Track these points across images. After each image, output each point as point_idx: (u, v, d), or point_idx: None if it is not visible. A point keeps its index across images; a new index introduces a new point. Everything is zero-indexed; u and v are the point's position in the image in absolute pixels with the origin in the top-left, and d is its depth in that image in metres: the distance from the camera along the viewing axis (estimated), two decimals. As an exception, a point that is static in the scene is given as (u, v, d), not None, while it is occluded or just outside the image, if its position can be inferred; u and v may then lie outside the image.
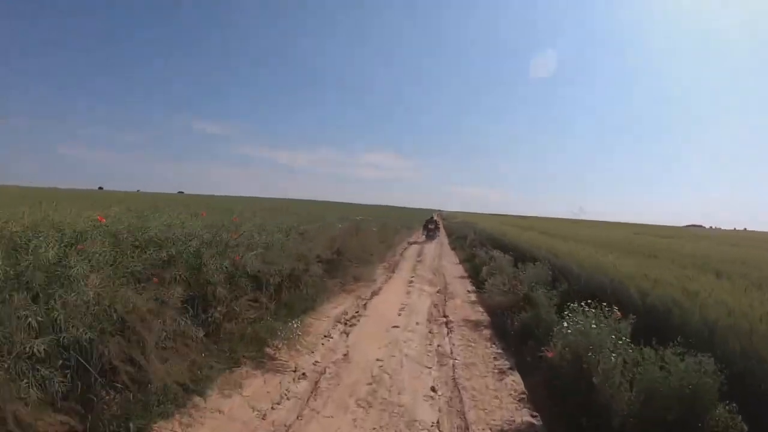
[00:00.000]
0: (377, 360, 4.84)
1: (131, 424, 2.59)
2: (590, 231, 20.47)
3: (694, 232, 32.72)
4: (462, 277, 11.11)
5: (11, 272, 2.44)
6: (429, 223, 22.04)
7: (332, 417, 3.50)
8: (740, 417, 2.64)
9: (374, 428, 3.37)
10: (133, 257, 3.17)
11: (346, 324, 6.22)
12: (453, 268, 12.69)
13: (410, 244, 19.32)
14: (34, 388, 2.14)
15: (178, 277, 3.51)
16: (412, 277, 10.52)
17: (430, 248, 17.70)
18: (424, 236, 21.20)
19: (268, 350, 4.55)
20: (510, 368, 4.91)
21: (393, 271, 10.98)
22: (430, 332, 6.12)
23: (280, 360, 4.51)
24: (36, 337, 2.25)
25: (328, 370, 4.42)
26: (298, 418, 3.43)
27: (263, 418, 3.36)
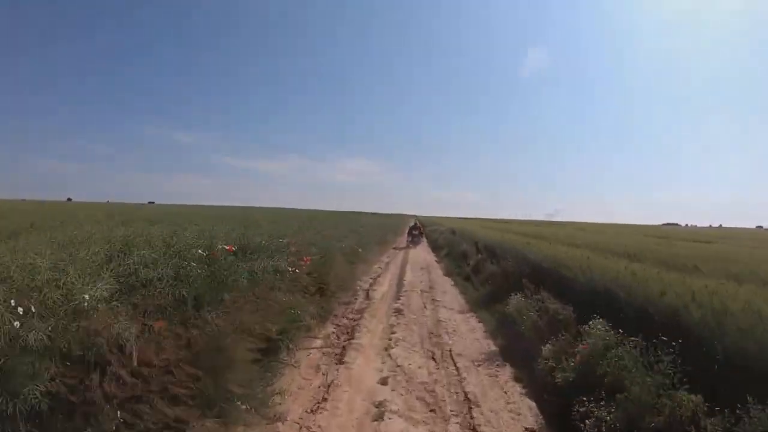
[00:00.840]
0: None
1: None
2: (605, 238, 15.31)
3: (721, 233, 28.43)
4: (492, 364, 5.18)
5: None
6: (413, 230, 23.35)
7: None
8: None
9: None
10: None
11: None
12: (464, 328, 6.75)
13: (397, 250, 19.38)
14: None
15: None
16: (385, 377, 4.53)
17: (415, 275, 11.71)
18: (408, 242, 22.28)
19: None
20: None
21: (340, 361, 4.91)
22: None
23: None
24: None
25: None
26: None
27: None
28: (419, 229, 24.27)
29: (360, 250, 10.73)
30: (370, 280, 10.38)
